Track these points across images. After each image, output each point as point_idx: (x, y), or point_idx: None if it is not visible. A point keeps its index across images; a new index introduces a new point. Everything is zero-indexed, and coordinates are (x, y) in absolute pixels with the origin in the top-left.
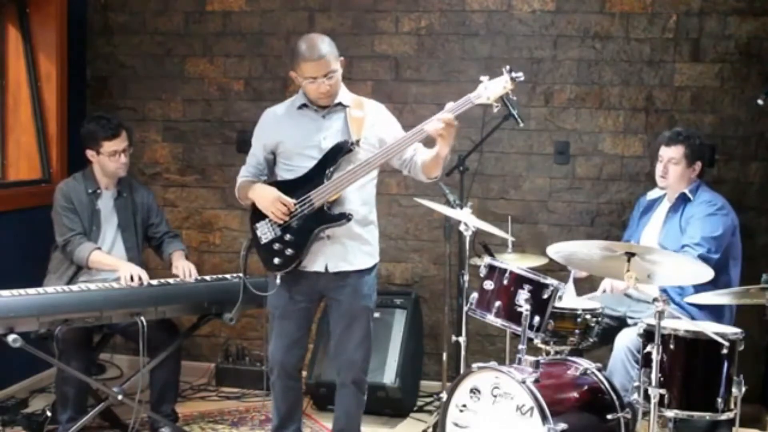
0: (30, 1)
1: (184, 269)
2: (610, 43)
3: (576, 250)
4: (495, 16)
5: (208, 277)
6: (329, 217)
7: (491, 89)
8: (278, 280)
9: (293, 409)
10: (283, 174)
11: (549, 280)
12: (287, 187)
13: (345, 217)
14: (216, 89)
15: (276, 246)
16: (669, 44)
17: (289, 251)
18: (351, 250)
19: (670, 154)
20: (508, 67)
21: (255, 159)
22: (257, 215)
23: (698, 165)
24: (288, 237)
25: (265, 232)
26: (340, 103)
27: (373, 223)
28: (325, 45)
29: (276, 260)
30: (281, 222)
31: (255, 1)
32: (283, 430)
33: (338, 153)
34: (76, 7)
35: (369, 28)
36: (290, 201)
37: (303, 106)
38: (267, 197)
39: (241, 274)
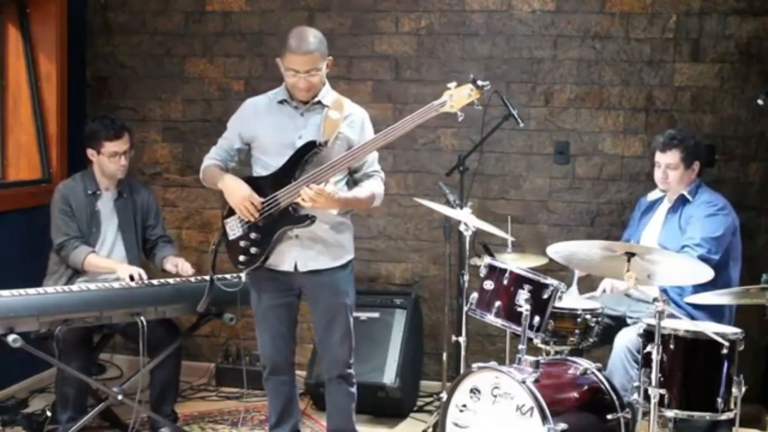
0: (30, 0)
1: (179, 265)
2: (610, 43)
3: (576, 250)
4: (495, 16)
5: (207, 277)
6: (293, 218)
7: (456, 97)
8: (244, 278)
9: (288, 406)
10: (258, 170)
11: (549, 280)
12: (258, 184)
13: (308, 219)
14: (216, 89)
15: (242, 243)
16: (669, 44)
17: (253, 249)
18: (320, 249)
19: (667, 160)
20: (472, 75)
21: (228, 143)
22: (229, 210)
23: (696, 165)
24: (253, 235)
25: (233, 228)
26: (319, 102)
27: (344, 223)
28: (314, 41)
29: (241, 257)
30: (249, 220)
31: (255, 1)
32: (279, 428)
33: (305, 153)
34: (76, 7)
35: (369, 28)
36: (258, 200)
37: (283, 101)
38: (237, 194)
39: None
